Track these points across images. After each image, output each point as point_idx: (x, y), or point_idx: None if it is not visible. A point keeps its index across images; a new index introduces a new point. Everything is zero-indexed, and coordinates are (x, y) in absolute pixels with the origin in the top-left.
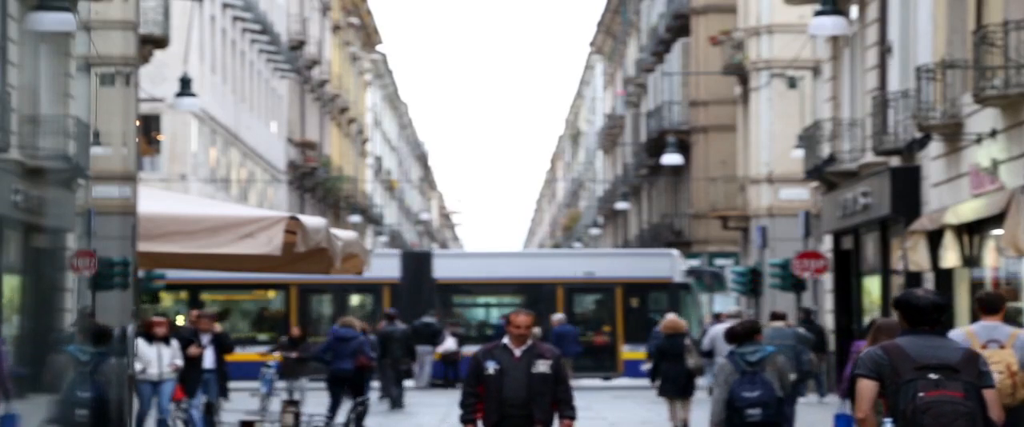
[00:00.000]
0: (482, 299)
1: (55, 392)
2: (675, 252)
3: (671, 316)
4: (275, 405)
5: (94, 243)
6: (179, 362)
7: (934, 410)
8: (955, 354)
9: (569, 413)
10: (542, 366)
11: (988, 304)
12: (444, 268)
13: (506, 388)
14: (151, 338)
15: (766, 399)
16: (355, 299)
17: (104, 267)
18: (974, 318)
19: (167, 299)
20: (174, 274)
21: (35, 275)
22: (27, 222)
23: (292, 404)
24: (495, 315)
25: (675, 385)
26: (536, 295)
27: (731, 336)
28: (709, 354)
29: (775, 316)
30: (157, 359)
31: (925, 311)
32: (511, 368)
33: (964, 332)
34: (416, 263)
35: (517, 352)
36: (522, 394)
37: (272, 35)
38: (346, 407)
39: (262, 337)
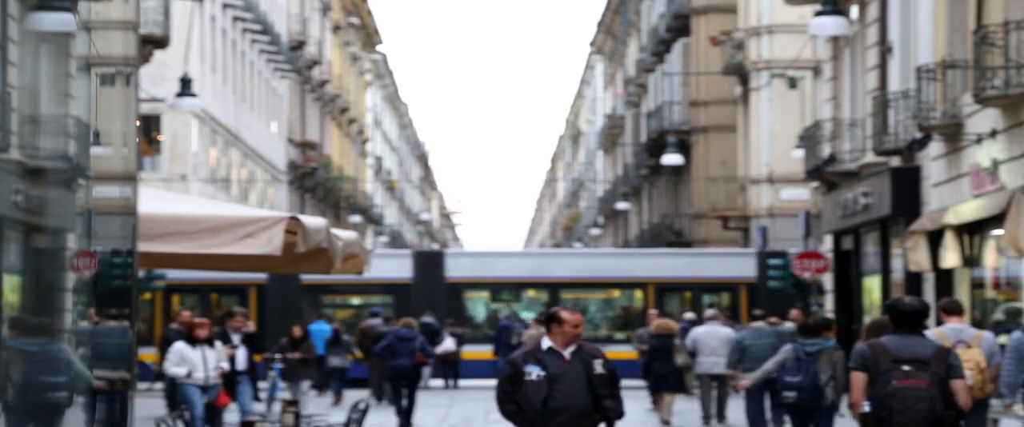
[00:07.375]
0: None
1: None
2: None
3: (662, 319)
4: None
5: (94, 243)
6: (225, 365)
7: (900, 395)
8: (928, 350)
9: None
10: (599, 367)
11: (950, 309)
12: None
13: (559, 395)
14: (193, 341)
15: (804, 385)
16: (711, 298)
17: (104, 267)
18: (938, 322)
19: (525, 297)
20: (522, 272)
21: (35, 275)
22: (27, 222)
23: (292, 404)
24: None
25: (664, 381)
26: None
27: (803, 329)
28: (693, 354)
29: (754, 317)
30: (202, 362)
31: (908, 315)
32: (564, 373)
33: (935, 334)
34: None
35: (566, 354)
36: (584, 401)
37: (272, 35)
38: (347, 407)
39: (619, 336)
